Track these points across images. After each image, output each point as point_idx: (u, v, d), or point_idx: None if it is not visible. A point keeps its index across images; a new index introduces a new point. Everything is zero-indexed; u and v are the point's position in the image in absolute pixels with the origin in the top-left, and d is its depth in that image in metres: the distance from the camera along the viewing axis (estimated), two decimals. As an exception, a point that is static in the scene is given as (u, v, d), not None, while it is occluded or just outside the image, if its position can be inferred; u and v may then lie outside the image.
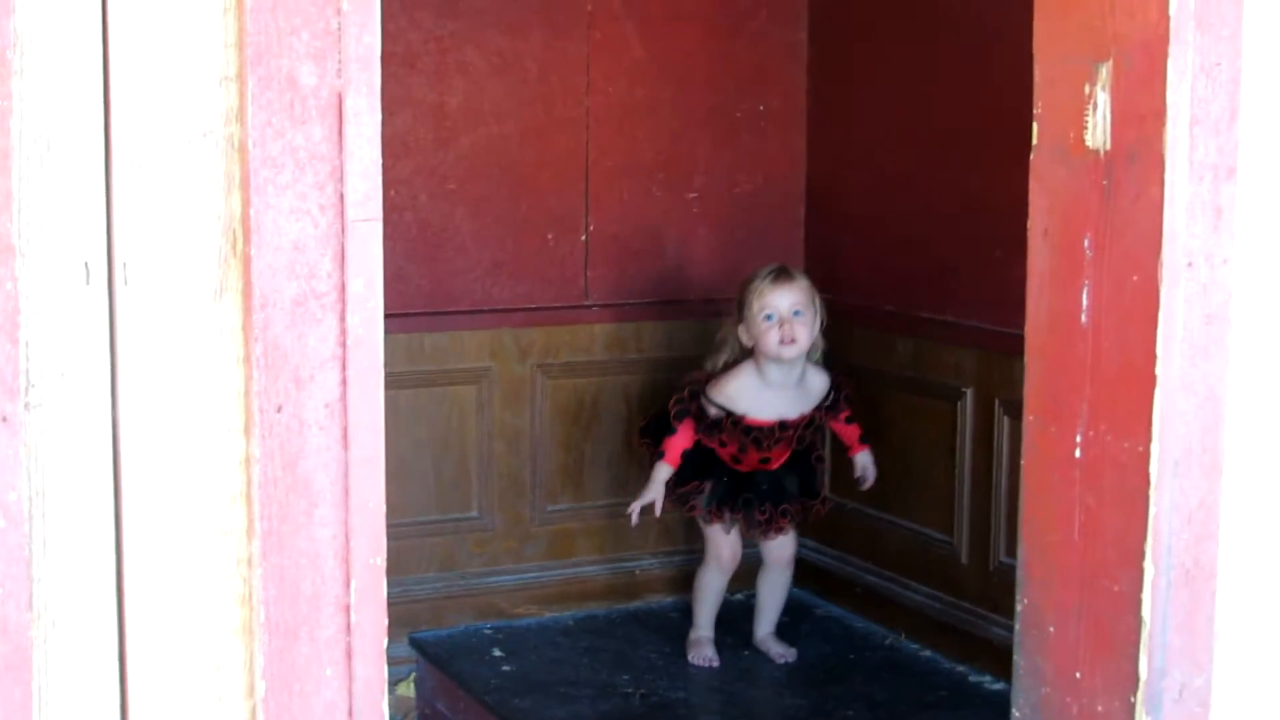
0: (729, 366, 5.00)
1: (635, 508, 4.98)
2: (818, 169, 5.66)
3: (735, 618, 5.31)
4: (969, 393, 5.05)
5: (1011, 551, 4.65)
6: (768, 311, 4.84)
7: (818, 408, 5.02)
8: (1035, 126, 2.53)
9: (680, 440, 5.00)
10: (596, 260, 5.45)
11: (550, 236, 5.38)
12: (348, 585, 2.03)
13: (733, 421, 4.94)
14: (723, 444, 5.00)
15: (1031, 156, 2.55)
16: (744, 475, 5.06)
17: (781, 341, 4.83)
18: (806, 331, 4.87)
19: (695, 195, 5.57)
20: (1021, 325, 2.59)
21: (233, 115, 1.93)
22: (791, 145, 5.69)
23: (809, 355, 4.96)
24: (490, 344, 5.34)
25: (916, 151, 5.26)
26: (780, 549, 5.18)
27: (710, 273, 5.49)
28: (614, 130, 5.45)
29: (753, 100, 5.65)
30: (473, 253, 5.28)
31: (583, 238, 5.42)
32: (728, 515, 5.10)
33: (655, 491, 4.99)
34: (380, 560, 2.04)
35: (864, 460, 5.18)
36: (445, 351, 5.28)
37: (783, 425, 4.97)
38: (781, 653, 5.19)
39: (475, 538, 5.41)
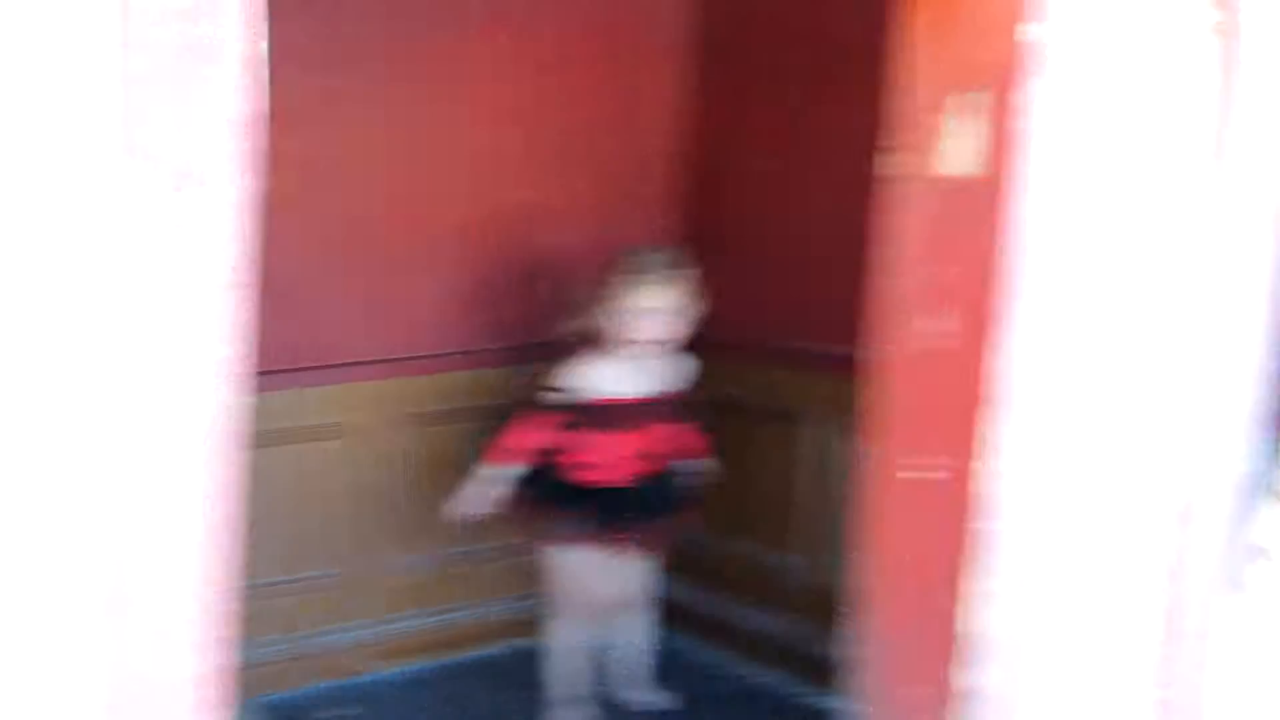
0: (582, 340, 4.84)
1: (461, 507, 4.80)
2: (699, 211, 5.70)
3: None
4: (806, 416, 5.09)
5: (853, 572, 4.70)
6: (648, 306, 4.71)
7: (681, 389, 4.87)
8: (898, 156, 2.58)
9: (525, 437, 4.77)
10: (460, 306, 5.39)
11: (411, 286, 5.31)
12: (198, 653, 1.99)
13: (587, 404, 4.74)
14: (573, 448, 4.77)
15: (895, 185, 2.59)
16: (611, 494, 4.85)
17: (656, 341, 4.72)
18: (677, 329, 4.75)
19: (574, 239, 5.50)
20: (859, 350, 2.62)
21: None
22: (670, 189, 5.70)
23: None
24: (351, 396, 5.27)
25: (782, 180, 5.33)
26: (641, 588, 5.05)
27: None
28: (493, 175, 5.39)
29: (634, 147, 5.65)
30: (332, 304, 5.19)
31: (447, 284, 5.38)
32: (597, 537, 4.88)
33: (486, 489, 4.77)
34: (229, 626, 2.00)
35: (696, 467, 5.00)
36: (297, 407, 5.20)
37: (642, 404, 4.79)
38: (659, 699, 5.14)
39: (332, 595, 5.34)
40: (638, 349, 4.75)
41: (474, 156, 5.35)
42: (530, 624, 5.56)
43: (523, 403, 4.84)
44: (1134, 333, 2.51)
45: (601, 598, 4.99)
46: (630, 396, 4.80)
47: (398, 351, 5.31)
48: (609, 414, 4.78)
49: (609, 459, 4.83)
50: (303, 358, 5.16)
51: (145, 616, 1.94)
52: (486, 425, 5.19)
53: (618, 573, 5.01)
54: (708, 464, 5.04)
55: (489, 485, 4.78)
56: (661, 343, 4.75)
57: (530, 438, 4.77)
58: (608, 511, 4.86)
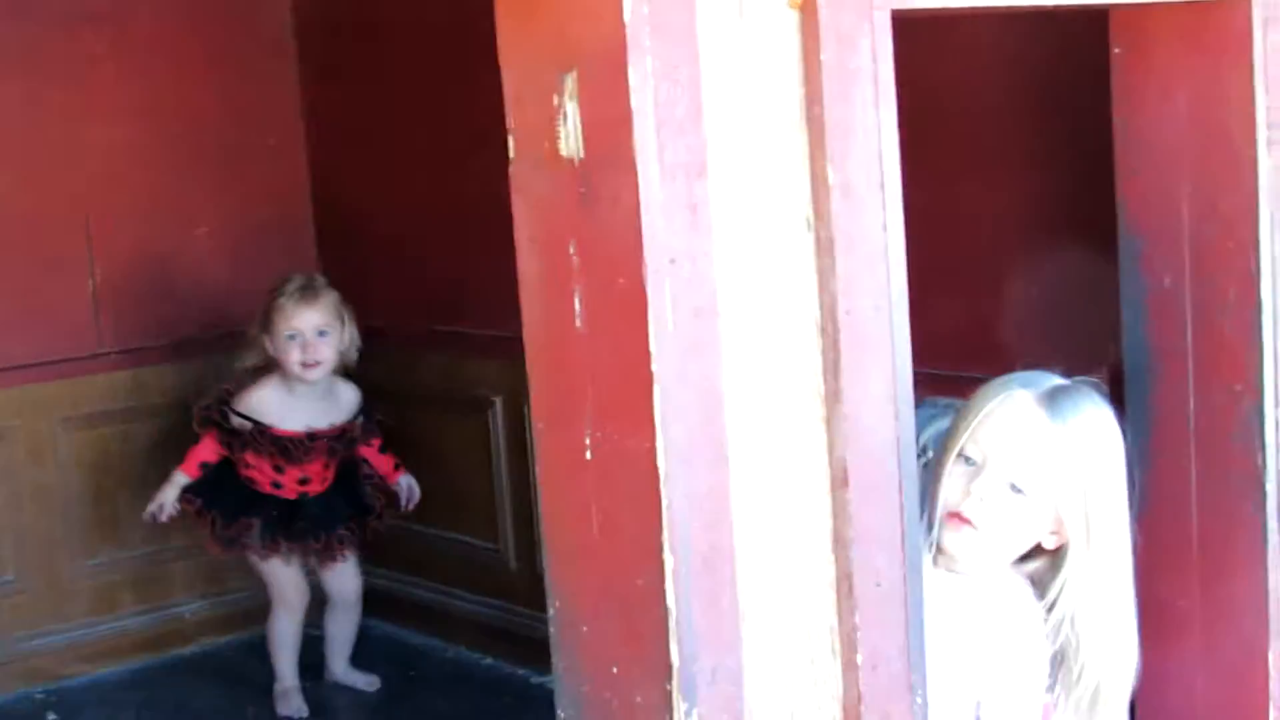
0: (259, 370, 4.90)
1: (148, 511, 4.85)
2: (325, 194, 5.64)
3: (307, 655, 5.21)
4: (498, 401, 5.09)
5: (553, 555, 4.71)
6: (289, 331, 4.76)
7: (350, 421, 4.95)
8: (511, 139, 2.57)
9: (202, 451, 4.87)
10: (107, 306, 5.31)
11: (56, 287, 5.22)
12: None
13: (259, 432, 4.81)
14: (247, 464, 4.86)
15: (510, 168, 2.58)
16: (292, 503, 4.93)
17: (305, 364, 4.76)
18: (331, 351, 4.80)
19: (205, 230, 5.49)
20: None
21: None
22: (295, 174, 5.66)
23: (343, 359, 4.89)
24: (12, 402, 5.17)
25: (417, 166, 5.28)
26: (345, 583, 5.08)
27: (228, 306, 5.41)
28: (117, 172, 5.33)
29: (257, 135, 5.60)
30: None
31: (89, 284, 5.28)
32: (284, 546, 4.95)
33: (166, 495, 4.85)
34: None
35: (405, 483, 5.11)
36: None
37: (312, 436, 4.86)
38: (368, 681, 5.14)
39: (12, 602, 5.23)
40: (299, 379, 4.82)
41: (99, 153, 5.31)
42: (222, 622, 5.53)
43: (204, 418, 4.89)
44: (775, 290, 2.52)
45: (299, 594, 5.05)
46: (297, 429, 4.87)
47: (52, 354, 5.25)
48: (277, 444, 4.86)
49: (280, 479, 4.93)
50: None
51: None
52: (157, 425, 5.29)
53: (327, 575, 5.11)
54: (402, 480, 5.13)
55: (174, 489, 4.88)
56: (322, 370, 4.81)
57: (206, 451, 4.88)
58: (280, 521, 4.95)
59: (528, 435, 4.99)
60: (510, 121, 2.55)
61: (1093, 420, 2.72)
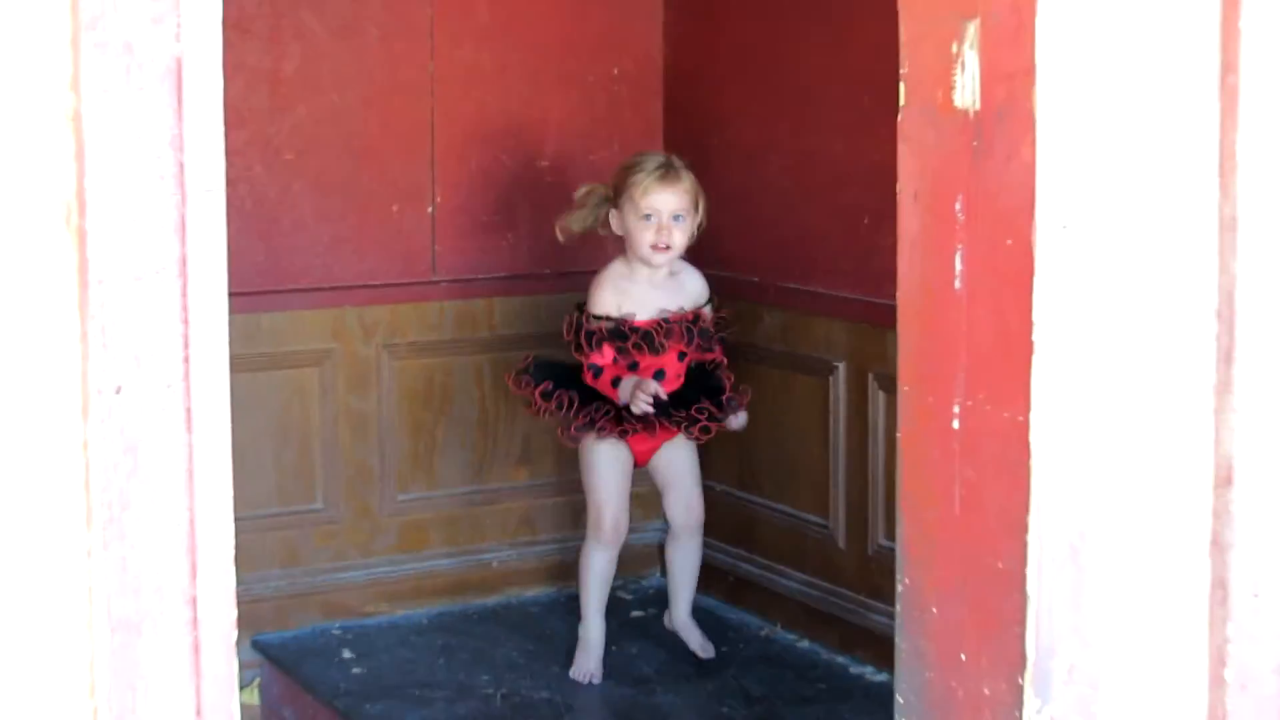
0: (583, 232, 5.02)
1: (642, 400, 4.80)
2: (676, 136, 5.70)
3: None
4: (841, 366, 5.10)
5: (891, 535, 4.69)
6: (648, 211, 4.84)
7: (698, 307, 4.98)
8: (902, 87, 2.59)
9: (607, 360, 4.90)
10: (444, 234, 5.46)
11: (395, 209, 5.39)
12: (194, 577, 2.05)
13: (615, 328, 4.86)
14: (630, 359, 4.89)
15: (899, 118, 2.60)
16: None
17: (655, 246, 4.84)
18: (684, 238, 4.86)
19: (547, 164, 5.59)
20: (893, 295, 2.64)
21: (66, 83, 1.95)
22: (648, 110, 5.74)
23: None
24: (332, 323, 5.34)
25: (776, 114, 5.32)
26: (689, 505, 5.10)
27: (564, 246, 5.51)
28: (461, 97, 5.47)
29: (606, 64, 5.69)
30: (311, 227, 5.28)
31: (429, 210, 5.44)
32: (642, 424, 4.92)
33: (647, 385, 4.82)
34: (228, 550, 2.06)
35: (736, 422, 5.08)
36: (284, 332, 5.28)
37: (665, 323, 4.90)
38: (702, 644, 5.17)
39: (320, 531, 5.40)
40: (646, 261, 4.88)
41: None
42: (529, 574, 5.66)
43: (593, 333, 4.92)
44: (1170, 269, 2.51)
45: (620, 520, 5.04)
46: (653, 316, 4.93)
47: (381, 278, 5.43)
48: (635, 333, 4.89)
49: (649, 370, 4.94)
50: (296, 279, 5.33)
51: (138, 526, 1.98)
52: (481, 361, 5.50)
53: (670, 494, 5.14)
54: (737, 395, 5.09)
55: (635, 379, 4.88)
56: (672, 254, 4.87)
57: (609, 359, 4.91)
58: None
59: (869, 407, 5.00)
60: (904, 67, 2.57)
61: None
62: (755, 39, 5.39)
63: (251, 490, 5.10)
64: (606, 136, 5.68)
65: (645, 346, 4.88)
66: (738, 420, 5.09)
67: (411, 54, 5.39)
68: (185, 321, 2.00)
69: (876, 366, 4.93)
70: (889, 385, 4.66)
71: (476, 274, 5.53)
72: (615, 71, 5.69)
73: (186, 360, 2.01)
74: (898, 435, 2.63)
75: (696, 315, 4.98)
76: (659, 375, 4.92)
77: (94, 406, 1.98)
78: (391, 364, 5.43)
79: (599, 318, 4.90)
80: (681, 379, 5.00)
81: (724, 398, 5.02)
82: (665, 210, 4.83)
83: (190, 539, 2.03)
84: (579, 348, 4.92)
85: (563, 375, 4.99)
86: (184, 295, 2.00)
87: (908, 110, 2.57)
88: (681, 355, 4.99)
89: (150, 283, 1.99)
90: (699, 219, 4.91)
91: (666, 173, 4.86)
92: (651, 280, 4.93)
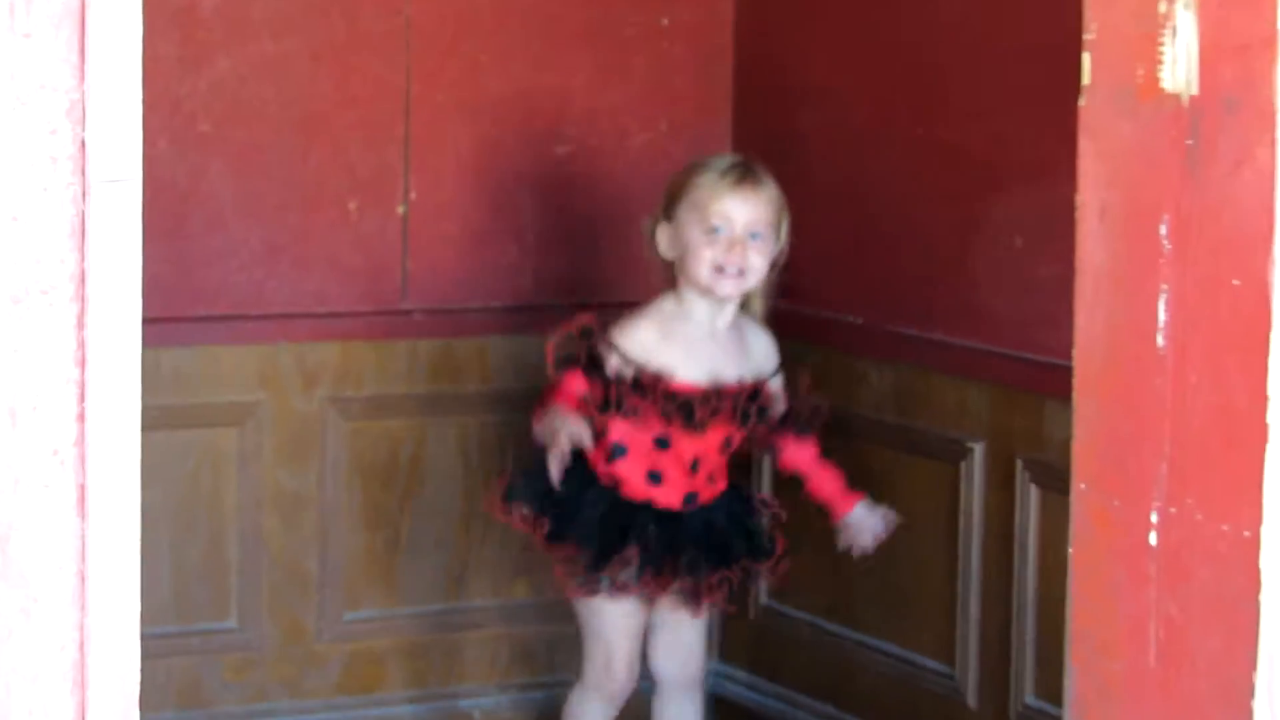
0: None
1: (554, 459, 4.76)
2: (750, 115, 5.72)
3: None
4: (978, 449, 5.09)
5: (1045, 691, 4.69)
6: (715, 222, 4.77)
7: (763, 379, 4.94)
8: (1085, 59, 2.59)
9: (573, 384, 4.84)
10: (419, 244, 5.46)
11: (352, 207, 5.38)
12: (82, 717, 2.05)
13: (645, 383, 4.79)
14: (632, 414, 4.83)
15: (1080, 103, 2.60)
16: (674, 518, 4.88)
17: (721, 269, 4.78)
18: (762, 261, 4.81)
19: (567, 150, 5.61)
20: (1056, 349, 2.65)
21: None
22: (711, 78, 5.76)
23: (745, 306, 4.92)
24: (259, 366, 5.33)
25: (898, 92, 5.33)
26: (686, 659, 5.07)
27: (588, 267, 5.52)
28: (447, 51, 5.48)
29: (651, 11, 5.71)
30: (234, 229, 5.27)
31: (400, 210, 5.44)
32: (660, 584, 4.91)
33: (573, 425, 4.75)
34: (132, 681, 2.06)
35: (863, 515, 5.03)
36: (191, 377, 5.26)
37: (718, 393, 4.84)
38: None
39: (233, 660, 5.39)
40: (708, 289, 4.81)
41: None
42: None
43: (566, 357, 4.89)
44: None
45: (630, 673, 5.03)
46: (697, 381, 4.87)
47: (342, 304, 5.43)
48: (672, 401, 4.83)
49: (660, 466, 4.91)
50: (212, 302, 5.32)
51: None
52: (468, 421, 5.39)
53: (663, 635, 5.09)
54: (858, 512, 5.06)
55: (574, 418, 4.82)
56: (745, 283, 4.82)
57: (577, 385, 4.86)
58: (661, 544, 4.89)
59: (1016, 509, 4.96)
60: (1088, 34, 2.58)
61: None
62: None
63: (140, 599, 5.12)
64: (651, 113, 5.69)
65: (680, 419, 4.85)
66: (871, 532, 5.04)
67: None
68: (81, 363, 2.00)
69: (1029, 450, 4.90)
70: (1050, 478, 4.65)
71: (464, 303, 5.52)
72: (664, 22, 5.70)
73: (81, 418, 2.01)
74: (1068, 551, 2.63)
75: (757, 389, 4.94)
76: (694, 467, 4.89)
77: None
78: (341, 425, 5.42)
79: (624, 357, 4.84)
80: (716, 483, 4.97)
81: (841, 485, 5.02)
82: (739, 222, 4.77)
83: (79, 668, 2.03)
84: (570, 367, 4.87)
85: (564, 496, 4.87)
86: (80, 326, 2.00)
87: (1093, 91, 2.58)
88: (726, 443, 4.95)
89: (32, 307, 1.99)
90: (780, 246, 4.88)
91: (744, 175, 4.82)
92: (711, 330, 4.88)
